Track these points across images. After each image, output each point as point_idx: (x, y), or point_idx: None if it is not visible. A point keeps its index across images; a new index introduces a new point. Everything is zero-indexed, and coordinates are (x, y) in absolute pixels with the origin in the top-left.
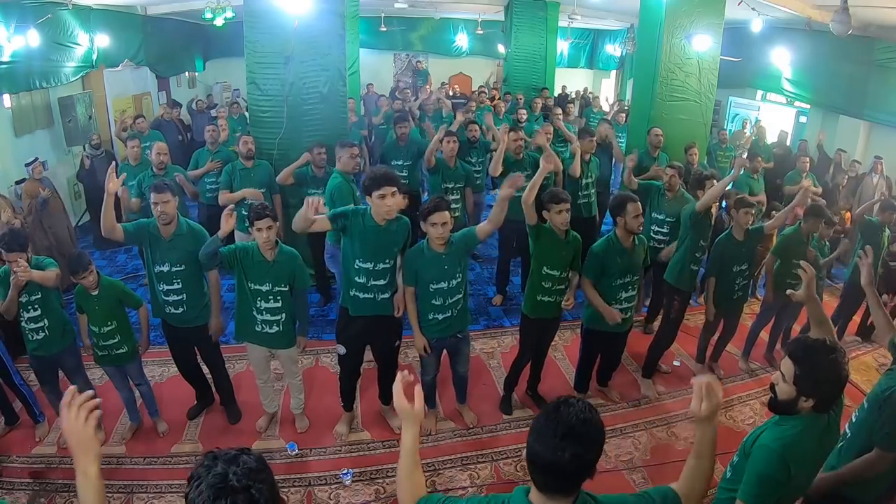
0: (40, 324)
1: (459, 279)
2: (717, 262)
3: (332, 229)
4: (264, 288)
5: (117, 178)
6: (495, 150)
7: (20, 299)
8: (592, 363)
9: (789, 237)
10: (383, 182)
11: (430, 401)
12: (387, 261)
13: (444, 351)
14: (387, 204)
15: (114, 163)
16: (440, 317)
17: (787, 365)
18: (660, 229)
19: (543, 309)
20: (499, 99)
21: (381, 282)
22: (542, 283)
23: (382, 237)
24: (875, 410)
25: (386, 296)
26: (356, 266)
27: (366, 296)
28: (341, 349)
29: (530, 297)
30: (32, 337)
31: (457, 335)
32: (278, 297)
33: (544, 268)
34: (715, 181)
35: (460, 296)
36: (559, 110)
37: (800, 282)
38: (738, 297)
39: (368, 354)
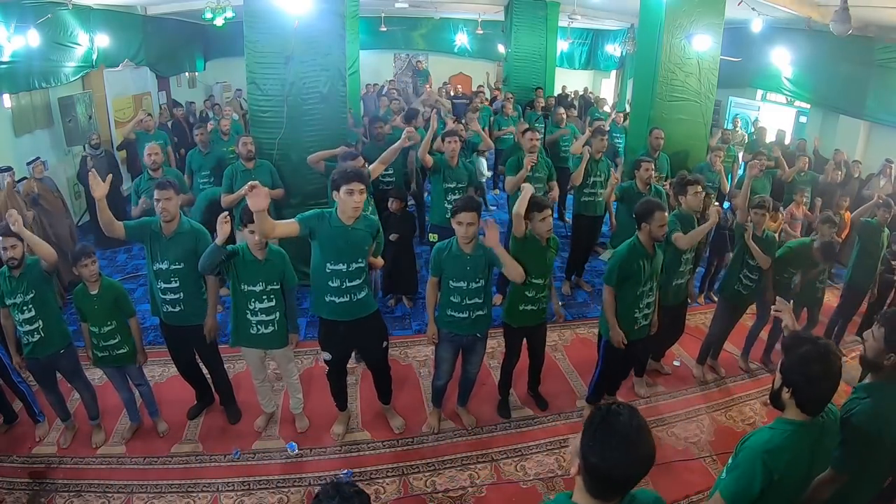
0: (35, 325)
1: (481, 284)
2: (735, 245)
3: (299, 234)
4: (258, 288)
5: (105, 181)
6: (482, 150)
7: (15, 300)
8: (611, 376)
9: (796, 250)
10: (353, 178)
11: (436, 401)
12: (359, 260)
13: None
14: (354, 200)
15: (110, 175)
16: (456, 315)
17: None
18: None
19: (526, 317)
20: (507, 99)
21: (357, 281)
22: (526, 293)
23: (351, 237)
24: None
25: (363, 294)
26: (328, 270)
27: (342, 299)
28: (327, 355)
29: (512, 307)
30: (28, 340)
31: (475, 335)
32: (272, 297)
33: (529, 278)
34: (699, 186)
35: (479, 300)
36: (562, 110)
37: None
38: (739, 292)
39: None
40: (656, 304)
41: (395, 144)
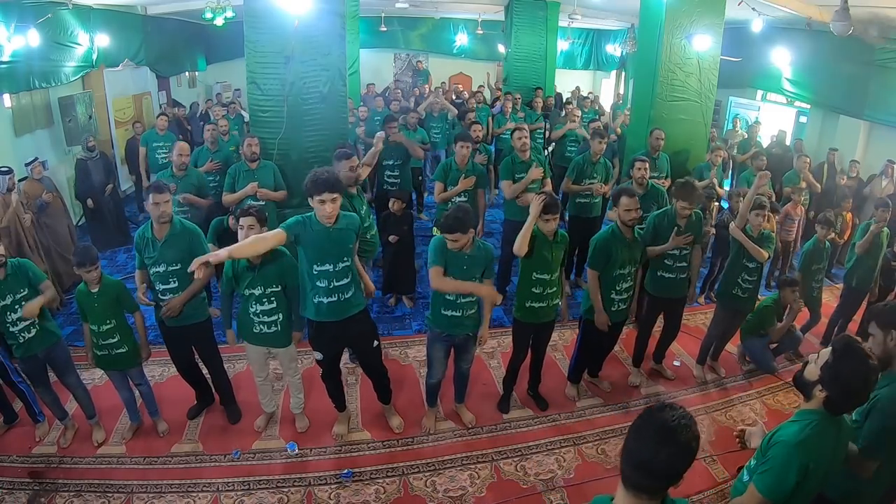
0: (29, 320)
1: (477, 281)
2: (731, 248)
3: (286, 241)
4: (257, 292)
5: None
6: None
7: (5, 302)
8: (590, 354)
9: (811, 252)
10: (324, 188)
11: (431, 400)
12: (345, 259)
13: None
14: (325, 210)
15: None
16: (449, 313)
17: (826, 352)
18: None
19: (535, 314)
20: (508, 99)
21: (345, 280)
22: (533, 290)
23: (334, 237)
24: (862, 417)
25: (351, 293)
26: (315, 272)
27: (331, 299)
28: (318, 355)
29: (521, 304)
30: (23, 337)
31: (467, 333)
32: (272, 299)
33: (534, 273)
34: (688, 205)
35: (473, 299)
36: (576, 108)
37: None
38: (737, 296)
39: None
40: (635, 290)
41: (372, 149)
